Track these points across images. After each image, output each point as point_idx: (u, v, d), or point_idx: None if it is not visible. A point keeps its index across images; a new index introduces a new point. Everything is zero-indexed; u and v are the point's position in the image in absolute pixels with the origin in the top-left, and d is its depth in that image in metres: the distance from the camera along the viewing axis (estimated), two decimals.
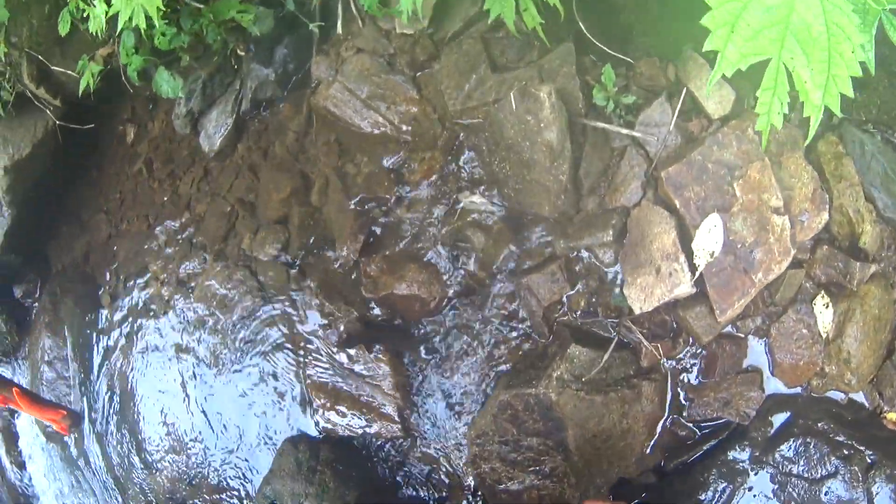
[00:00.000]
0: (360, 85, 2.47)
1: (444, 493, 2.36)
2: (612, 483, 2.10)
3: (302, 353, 2.56)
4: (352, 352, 2.43)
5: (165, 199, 2.94)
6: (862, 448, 1.87)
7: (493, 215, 2.31)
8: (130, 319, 2.96)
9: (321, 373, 2.50)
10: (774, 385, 2.02)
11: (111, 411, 3.00)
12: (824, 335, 1.94)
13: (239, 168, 2.79)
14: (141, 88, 2.93)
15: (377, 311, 2.42)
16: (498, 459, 2.20)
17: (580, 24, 2.05)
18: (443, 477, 2.36)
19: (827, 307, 1.93)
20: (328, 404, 2.48)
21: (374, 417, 2.41)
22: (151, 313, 2.90)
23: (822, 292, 1.93)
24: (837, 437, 1.89)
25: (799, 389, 2.01)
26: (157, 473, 2.85)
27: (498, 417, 2.15)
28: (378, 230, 2.47)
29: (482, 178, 2.34)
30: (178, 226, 2.89)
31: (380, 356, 2.40)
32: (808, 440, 1.90)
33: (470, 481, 2.31)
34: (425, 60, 2.39)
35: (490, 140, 2.25)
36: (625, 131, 2.08)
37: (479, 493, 2.29)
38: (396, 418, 2.38)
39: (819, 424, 1.92)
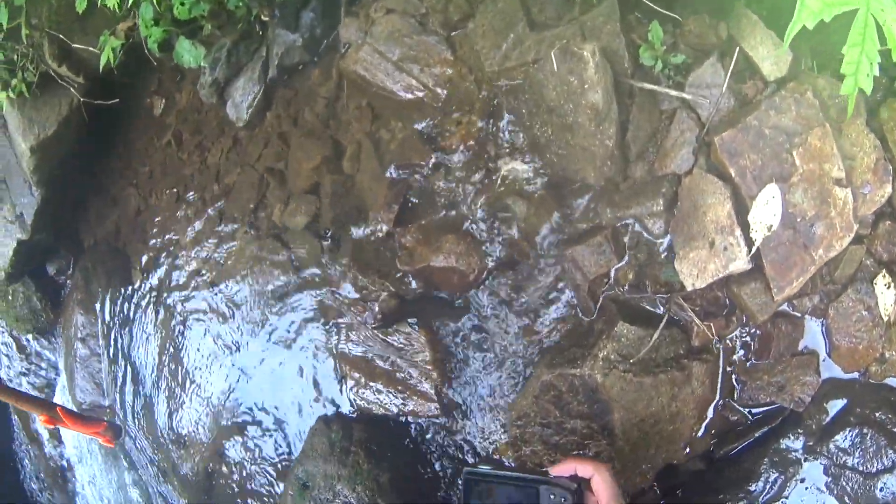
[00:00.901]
0: (392, 47, 2.38)
1: None
2: (658, 469, 2.02)
3: (335, 327, 2.53)
4: (388, 328, 2.39)
5: (194, 170, 2.94)
6: None
7: (534, 183, 2.23)
8: (161, 293, 3.00)
9: (355, 349, 2.48)
10: (830, 369, 1.93)
11: (141, 387, 3.06)
12: (885, 318, 1.83)
13: (268, 137, 2.76)
14: (167, 60, 2.90)
15: (413, 284, 2.36)
16: (540, 442, 2.15)
17: None
18: (482, 460, 2.31)
19: (889, 287, 1.82)
20: (362, 381, 2.46)
21: (410, 395, 2.38)
22: (181, 287, 2.93)
23: (884, 271, 1.83)
24: None
25: (856, 375, 1.91)
26: (187, 449, 2.90)
27: (540, 398, 2.09)
28: (413, 199, 2.40)
29: (522, 143, 2.24)
30: (207, 197, 2.90)
31: (416, 332, 2.36)
32: (865, 431, 1.82)
33: (510, 465, 2.27)
34: (459, 20, 2.29)
35: (530, 102, 2.15)
36: (674, 93, 1.97)
37: None
38: (433, 396, 2.34)
39: (877, 414, 1.82)
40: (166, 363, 2.98)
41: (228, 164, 2.85)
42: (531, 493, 1.28)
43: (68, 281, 3.43)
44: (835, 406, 1.89)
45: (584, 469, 1.30)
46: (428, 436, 2.40)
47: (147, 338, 3.02)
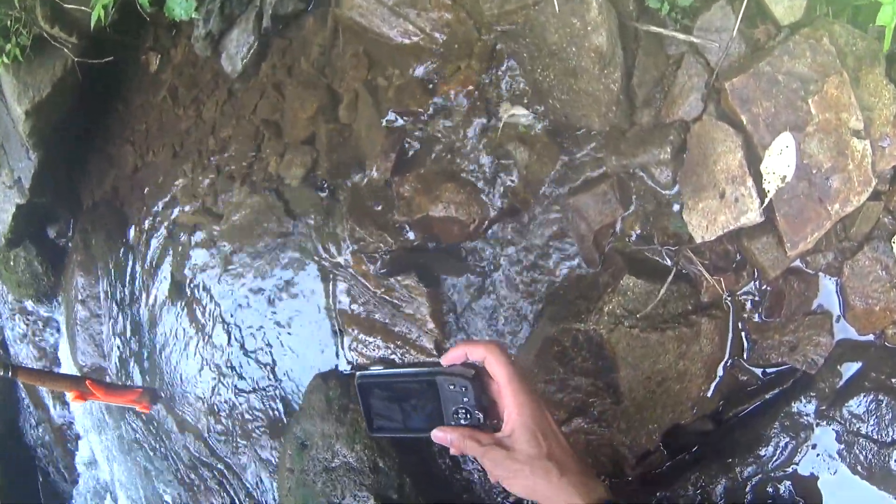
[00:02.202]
0: None
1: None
2: (664, 429, 1.99)
3: (333, 281, 2.52)
4: (386, 281, 2.38)
5: (190, 125, 2.96)
6: None
7: (536, 129, 2.18)
8: (159, 251, 3.05)
9: (353, 303, 2.46)
10: (845, 331, 1.87)
11: (141, 345, 3.11)
12: None
13: (263, 88, 2.74)
14: (160, 16, 2.82)
15: (411, 235, 2.34)
16: (543, 400, 2.24)
17: None
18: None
19: None
20: (360, 336, 2.45)
21: (409, 350, 2.37)
22: (179, 244, 2.97)
23: None
24: None
25: (871, 337, 1.85)
26: (185, 407, 2.97)
27: (543, 354, 2.06)
28: (411, 147, 2.37)
29: (524, 88, 2.19)
30: (203, 152, 2.91)
31: (416, 285, 2.33)
32: (881, 397, 1.76)
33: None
34: None
35: (531, 46, 2.07)
36: (682, 36, 1.89)
37: None
38: (432, 351, 2.33)
39: (893, 380, 1.77)
40: (165, 320, 3.02)
41: (224, 118, 2.83)
42: (428, 387, 1.24)
43: (69, 243, 3.49)
44: (849, 369, 1.84)
45: (474, 352, 1.23)
46: None
47: (146, 296, 3.05)
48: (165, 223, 3.00)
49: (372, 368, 1.28)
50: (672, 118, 1.95)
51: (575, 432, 2.08)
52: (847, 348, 1.85)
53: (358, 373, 1.29)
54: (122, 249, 3.14)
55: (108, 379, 3.16)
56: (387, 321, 2.42)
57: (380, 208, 2.41)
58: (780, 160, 1.73)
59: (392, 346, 2.41)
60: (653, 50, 1.96)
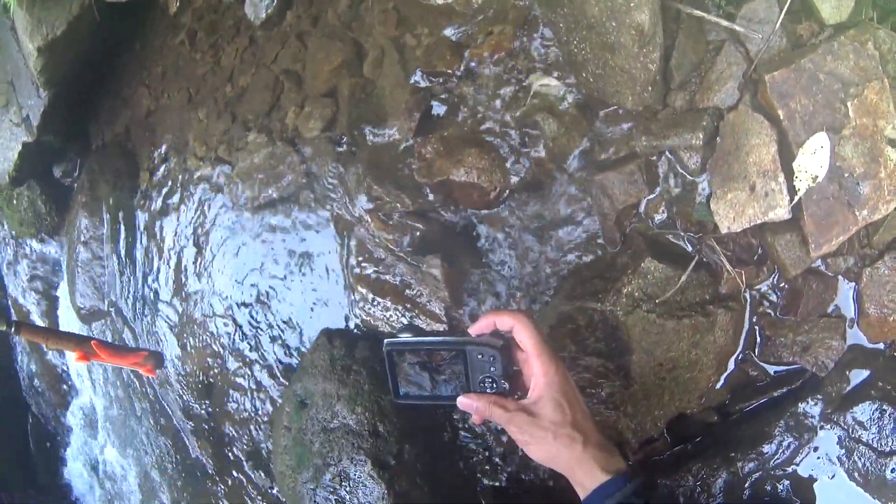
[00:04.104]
0: None
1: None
2: (670, 417, 2.07)
3: (345, 239, 2.60)
4: (400, 241, 2.47)
5: (207, 70, 3.00)
6: None
7: (567, 101, 2.21)
8: (168, 197, 3.13)
9: (364, 262, 2.54)
10: (856, 337, 1.95)
11: (143, 292, 3.20)
12: None
13: (286, 37, 2.77)
14: None
15: (430, 197, 2.40)
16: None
17: None
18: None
19: None
20: (370, 297, 2.52)
21: (419, 314, 2.44)
22: (189, 190, 3.04)
23: None
24: None
25: (882, 346, 1.93)
26: (185, 358, 3.08)
27: (557, 330, 2.12)
28: (437, 109, 2.41)
29: (557, 59, 2.22)
30: (219, 99, 2.96)
31: (430, 249, 2.41)
32: (885, 407, 1.84)
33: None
34: None
35: (569, 17, 2.08)
36: (725, 23, 1.92)
37: None
38: (443, 317, 2.39)
39: None
40: (170, 267, 3.11)
41: (243, 65, 2.87)
42: (457, 355, 1.31)
43: (74, 184, 3.56)
44: (857, 376, 1.92)
45: (502, 322, 1.31)
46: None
47: (151, 241, 3.11)
48: (177, 168, 3.05)
49: (401, 335, 1.36)
50: (706, 104, 2.00)
51: None
52: (857, 354, 1.92)
53: (386, 340, 1.36)
54: (129, 192, 3.21)
55: (105, 326, 3.29)
56: (397, 283, 2.48)
57: (399, 168, 2.46)
58: (813, 159, 1.80)
59: (401, 308, 2.48)
60: (693, 33, 1.99)
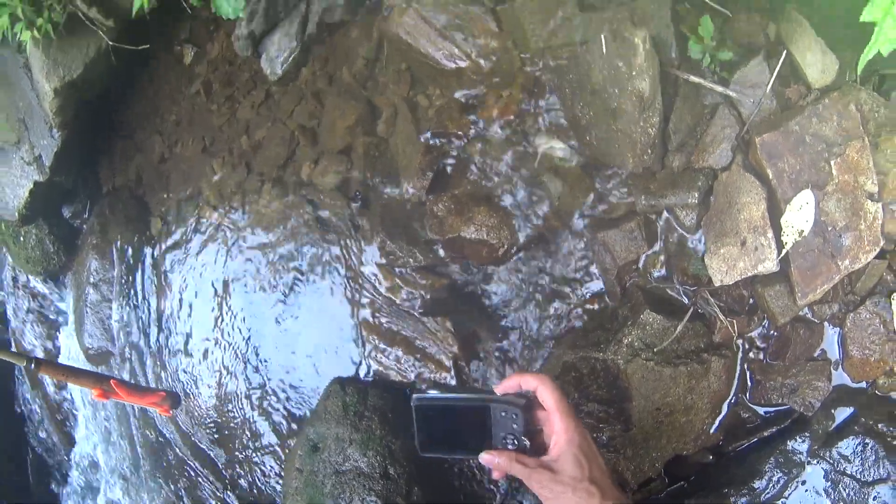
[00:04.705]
0: (436, 13, 2.59)
1: None
2: (666, 459, 2.28)
3: (357, 290, 2.79)
4: (410, 295, 2.68)
5: (223, 122, 3.20)
6: None
7: (571, 163, 2.46)
8: (180, 244, 3.28)
9: (376, 313, 2.74)
10: (841, 377, 2.19)
11: (153, 336, 3.34)
12: None
13: (302, 94, 3.00)
14: (199, 9, 3.10)
15: (441, 253, 2.63)
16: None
17: None
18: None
19: None
20: (381, 346, 2.73)
21: (427, 363, 2.65)
22: (201, 238, 3.21)
23: None
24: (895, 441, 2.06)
25: (864, 385, 2.17)
26: (195, 402, 3.21)
27: (561, 378, 2.34)
28: (448, 167, 2.65)
29: (563, 122, 2.48)
30: (234, 150, 3.16)
31: (440, 303, 2.63)
32: (867, 441, 2.07)
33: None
34: None
35: (574, 83, 2.36)
36: (719, 89, 2.20)
37: None
38: (450, 367, 2.60)
39: (880, 425, 2.08)
40: (180, 313, 3.27)
41: (259, 119, 3.10)
42: (481, 412, 1.41)
43: (83, 225, 3.72)
44: (842, 413, 2.15)
45: (527, 382, 1.42)
46: None
47: (163, 287, 3.28)
48: (190, 216, 3.26)
49: (429, 392, 1.50)
50: (702, 165, 2.26)
51: None
52: (842, 394, 2.17)
53: (415, 395, 1.48)
54: (140, 238, 3.39)
55: (114, 363, 3.42)
56: (408, 334, 2.70)
57: (412, 224, 2.69)
58: (799, 215, 2.04)
59: (411, 357, 2.69)
60: (690, 98, 2.27)
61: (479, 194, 2.61)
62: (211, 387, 3.17)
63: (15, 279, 4.07)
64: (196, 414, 3.20)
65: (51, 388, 4.06)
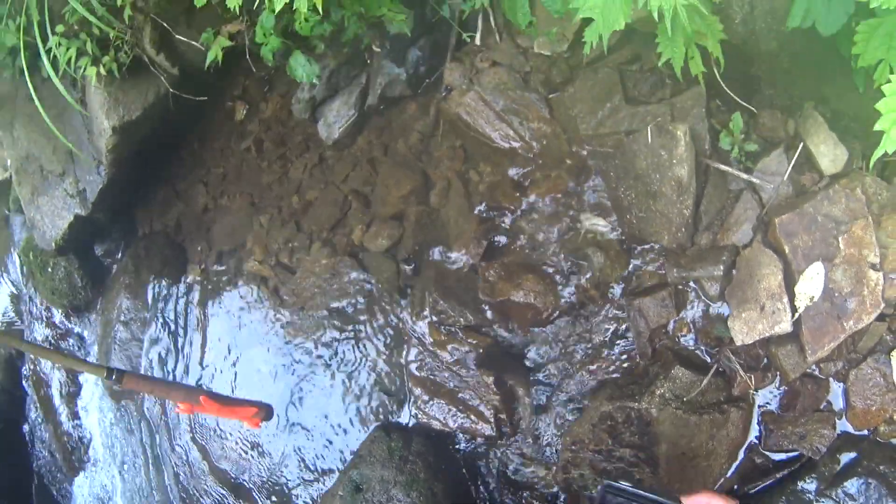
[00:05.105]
0: (496, 97, 3.05)
1: (525, 495, 2.93)
2: None
3: (406, 345, 3.13)
4: (457, 351, 3.02)
5: (273, 180, 3.55)
6: None
7: (611, 238, 2.90)
8: (219, 293, 3.57)
9: (423, 367, 3.08)
10: (845, 426, 2.60)
11: (186, 380, 3.62)
12: None
13: (357, 160, 3.38)
14: (255, 69, 3.49)
15: (489, 314, 3.01)
16: (589, 467, 2.75)
17: (716, 71, 2.72)
18: (529, 480, 2.93)
19: None
20: (426, 398, 3.05)
21: (470, 416, 2.98)
22: (246, 290, 3.51)
23: None
24: None
25: (866, 432, 2.57)
26: (222, 446, 3.50)
27: (597, 427, 2.72)
28: (498, 238, 3.06)
29: (606, 202, 2.92)
30: (283, 208, 3.49)
31: (484, 359, 2.99)
32: (870, 481, 2.46)
33: (555, 487, 2.89)
34: (560, 83, 2.99)
35: (619, 168, 2.81)
36: (744, 176, 2.67)
37: (562, 497, 2.88)
38: (492, 420, 2.94)
39: (881, 467, 2.47)
40: (217, 361, 3.53)
41: (311, 180, 3.46)
42: None
43: (114, 265, 3.97)
44: (846, 457, 2.55)
45: (714, 501, 1.73)
46: (483, 455, 3.01)
47: (199, 332, 3.56)
48: (231, 267, 3.57)
49: (621, 482, 1.78)
50: (726, 242, 2.72)
51: None
52: (846, 440, 2.59)
53: (606, 481, 1.76)
54: (177, 283, 3.64)
55: (141, 404, 3.55)
56: (452, 386, 3.06)
57: (462, 287, 3.07)
58: (811, 284, 2.50)
59: (454, 409, 3.03)
60: (719, 184, 2.74)
61: (527, 263, 3.02)
62: (244, 436, 3.37)
63: (31, 310, 4.17)
64: (231, 457, 3.37)
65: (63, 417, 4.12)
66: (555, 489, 2.89)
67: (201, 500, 3.41)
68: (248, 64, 3.39)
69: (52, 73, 3.24)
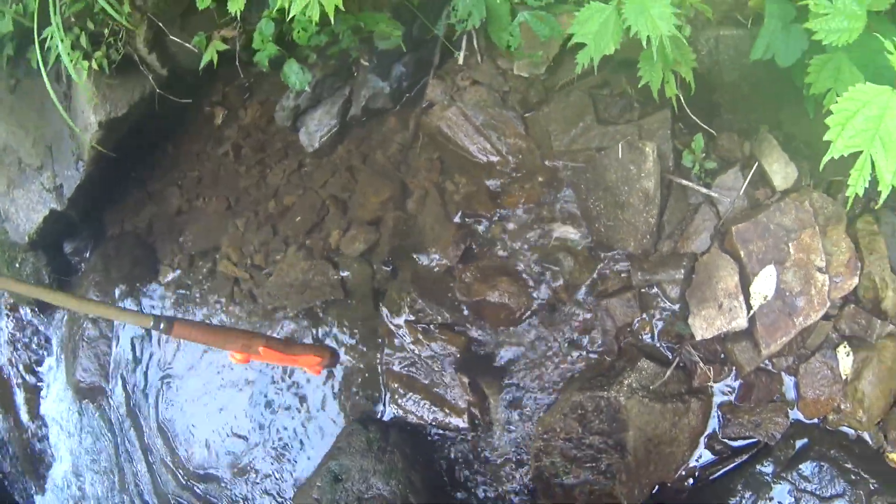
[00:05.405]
0: (477, 113, 3.35)
1: (499, 484, 3.18)
2: (654, 484, 2.98)
3: (383, 343, 3.34)
4: (433, 348, 3.24)
5: (251, 184, 3.72)
6: (867, 476, 2.79)
7: (581, 245, 3.22)
8: (191, 293, 3.70)
9: (399, 363, 3.30)
10: (797, 415, 2.96)
11: (152, 379, 3.70)
12: (844, 377, 2.88)
13: (336, 167, 3.61)
14: (231, 75, 3.69)
15: (465, 313, 3.26)
16: (559, 455, 3.03)
17: (681, 97, 2.96)
18: (502, 469, 3.18)
19: (848, 355, 2.88)
20: (402, 392, 3.28)
21: (445, 409, 3.22)
22: (218, 290, 3.65)
23: (845, 342, 2.90)
24: (846, 465, 2.81)
25: (817, 421, 2.94)
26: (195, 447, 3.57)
27: (568, 416, 3.00)
28: (474, 243, 3.34)
29: (576, 212, 3.24)
30: (261, 212, 3.67)
31: (458, 356, 3.24)
32: (822, 464, 2.82)
33: (527, 476, 3.13)
34: (536, 103, 3.31)
35: (590, 180, 3.14)
36: (704, 190, 3.03)
37: (533, 485, 3.12)
38: (465, 412, 3.19)
39: (832, 452, 2.84)
40: (191, 358, 3.63)
41: (290, 186, 3.67)
42: None
43: (82, 263, 4.04)
44: (799, 443, 2.91)
45: None
46: (457, 446, 3.24)
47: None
48: (204, 269, 3.71)
49: None
50: (686, 250, 3.06)
51: (582, 483, 2.96)
52: (798, 428, 2.96)
53: None
54: (146, 282, 3.72)
55: (105, 401, 3.53)
56: (427, 382, 3.30)
57: (439, 288, 3.33)
58: (764, 284, 2.86)
59: (429, 403, 3.27)
60: (680, 197, 3.10)
61: (501, 266, 3.31)
62: (216, 431, 3.47)
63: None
64: (196, 456, 3.44)
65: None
66: (527, 477, 3.13)
67: (169, 499, 3.46)
68: (227, 71, 3.60)
69: (41, 65, 3.30)
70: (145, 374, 3.65)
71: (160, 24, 3.51)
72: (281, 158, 3.71)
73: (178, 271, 3.74)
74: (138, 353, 3.70)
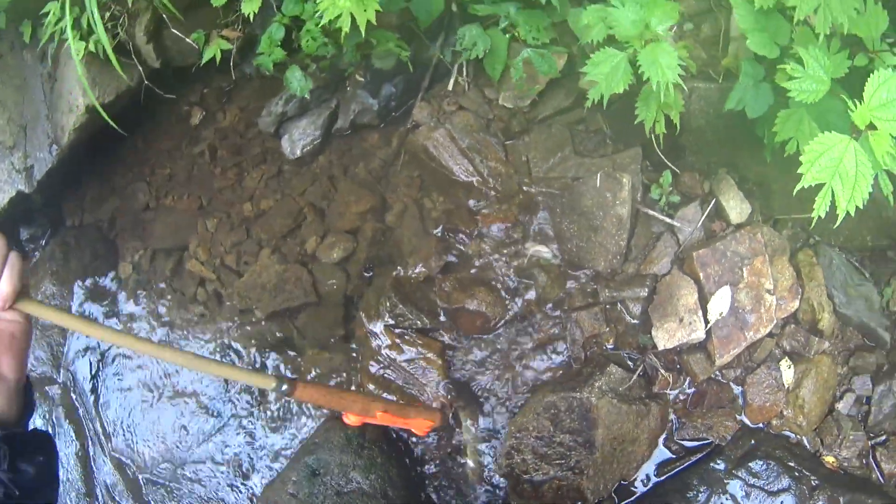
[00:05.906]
0: (464, 136, 3.75)
1: (471, 481, 3.46)
2: (617, 480, 3.38)
3: (358, 346, 3.58)
4: (409, 352, 3.52)
5: (226, 186, 3.88)
6: (808, 474, 3.27)
7: (553, 262, 3.63)
8: (152, 291, 3.78)
9: (374, 364, 3.55)
10: (745, 419, 3.45)
11: (105, 374, 3.63)
12: (786, 386, 3.42)
13: (317, 176, 3.85)
14: (210, 78, 3.93)
15: (443, 318, 3.59)
16: (531, 452, 3.38)
17: (652, 139, 3.42)
18: (475, 466, 3.46)
19: (789, 367, 3.43)
20: (378, 391, 3.53)
21: (417, 406, 3.48)
22: (185, 289, 3.76)
23: (787, 357, 3.45)
24: (790, 463, 3.29)
25: (762, 425, 3.43)
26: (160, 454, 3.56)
27: (541, 415, 3.37)
28: (455, 255, 3.69)
29: (550, 232, 3.66)
30: (235, 214, 3.83)
31: (432, 359, 3.54)
32: (769, 462, 3.28)
33: (497, 473, 3.45)
34: (518, 132, 3.74)
35: (566, 205, 3.59)
36: (668, 220, 3.53)
37: (504, 482, 3.43)
38: (439, 410, 3.46)
39: (777, 452, 3.31)
40: (144, 358, 3.61)
41: (267, 190, 3.87)
42: None
43: (37, 251, 3.94)
44: (747, 443, 3.39)
45: None
46: (430, 444, 3.51)
47: (127, 329, 3.59)
48: (169, 267, 3.80)
49: None
50: (648, 272, 3.55)
51: (550, 479, 3.28)
52: (746, 431, 3.47)
53: None
54: (105, 278, 3.72)
55: (54, 392, 3.41)
56: (401, 383, 3.59)
57: (418, 294, 3.64)
58: (720, 302, 3.36)
59: (404, 401, 3.52)
60: (645, 225, 3.60)
61: (479, 277, 3.69)
62: (174, 430, 3.47)
63: None
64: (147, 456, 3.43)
65: None
66: (499, 473, 3.42)
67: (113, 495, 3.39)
68: (206, 73, 3.76)
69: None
70: (99, 371, 3.60)
71: (164, 15, 3.63)
72: (259, 163, 3.89)
73: (140, 267, 3.79)
74: (89, 347, 3.64)
